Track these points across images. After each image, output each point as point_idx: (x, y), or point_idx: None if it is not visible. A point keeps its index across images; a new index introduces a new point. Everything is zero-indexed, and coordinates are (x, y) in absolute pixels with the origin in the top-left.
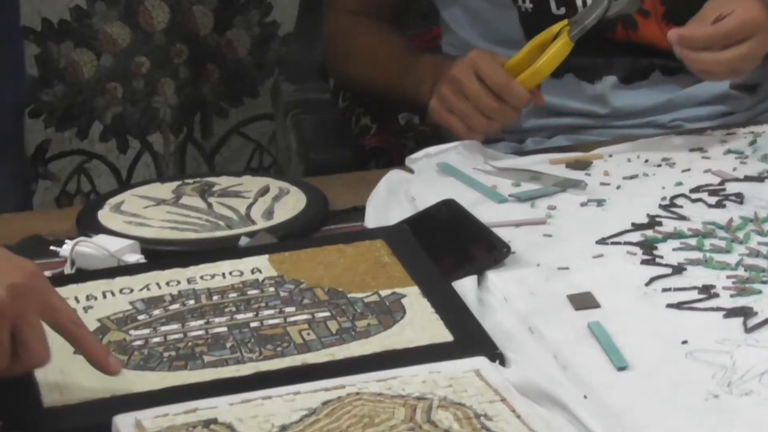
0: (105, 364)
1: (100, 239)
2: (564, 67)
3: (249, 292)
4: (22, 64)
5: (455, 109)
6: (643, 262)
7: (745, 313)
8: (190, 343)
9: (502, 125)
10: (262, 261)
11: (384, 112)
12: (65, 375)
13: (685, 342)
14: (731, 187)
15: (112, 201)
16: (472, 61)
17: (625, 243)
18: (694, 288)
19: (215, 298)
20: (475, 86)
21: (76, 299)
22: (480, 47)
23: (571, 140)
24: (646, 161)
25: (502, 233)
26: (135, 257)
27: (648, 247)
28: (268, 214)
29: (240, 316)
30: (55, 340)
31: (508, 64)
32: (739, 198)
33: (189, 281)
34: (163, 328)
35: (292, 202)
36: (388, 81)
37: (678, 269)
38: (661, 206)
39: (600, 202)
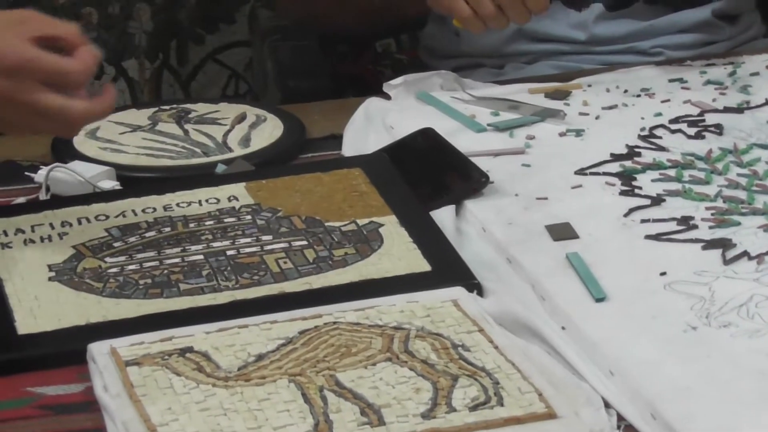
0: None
1: (76, 165)
2: None
3: (225, 220)
4: None
5: None
6: (622, 192)
7: (724, 244)
8: (166, 271)
9: (505, 25)
10: (238, 189)
11: (361, 38)
12: (40, 302)
13: (663, 273)
14: (711, 118)
15: (88, 127)
16: None
17: (604, 173)
18: (673, 219)
19: (191, 225)
20: None
21: (51, 225)
22: None
23: (552, 66)
24: (626, 91)
25: (480, 162)
26: (110, 184)
27: (627, 177)
28: (245, 141)
29: (216, 244)
30: (30, 266)
31: None
32: (719, 129)
33: (165, 208)
34: (139, 256)
35: (269, 130)
36: None
37: (657, 200)
38: (640, 137)
39: (579, 132)
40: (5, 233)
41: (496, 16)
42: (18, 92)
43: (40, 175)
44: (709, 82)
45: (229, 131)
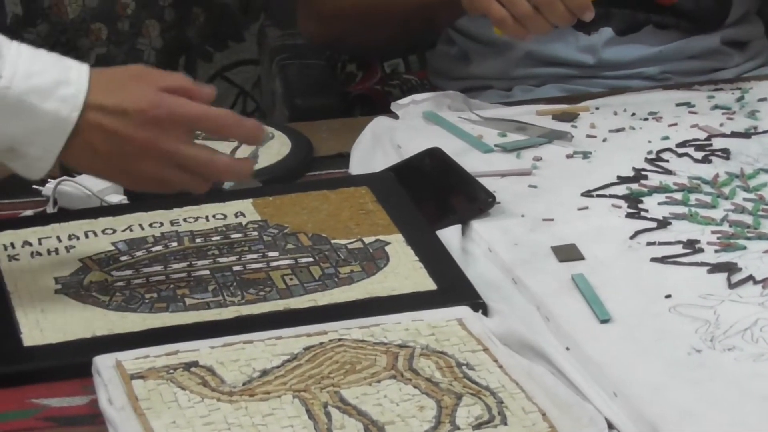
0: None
1: (83, 179)
2: None
3: (232, 236)
4: (1, 1)
5: None
6: (628, 215)
7: (729, 268)
8: (172, 285)
9: (546, 28)
10: (245, 205)
11: (370, 59)
12: (46, 314)
13: (668, 296)
14: (718, 143)
15: None
16: None
17: (611, 196)
18: (679, 242)
19: (198, 240)
20: None
21: (58, 238)
22: None
23: (560, 89)
24: (633, 114)
25: (487, 183)
26: (118, 198)
27: (633, 200)
28: (253, 158)
29: (223, 260)
30: (37, 279)
31: None
32: (726, 154)
33: (172, 223)
34: (146, 270)
35: (276, 147)
36: None
37: (663, 223)
38: (647, 160)
39: (586, 155)
40: (12, 246)
41: (533, 16)
42: (162, 142)
43: (47, 189)
44: (716, 106)
45: (236, 148)
